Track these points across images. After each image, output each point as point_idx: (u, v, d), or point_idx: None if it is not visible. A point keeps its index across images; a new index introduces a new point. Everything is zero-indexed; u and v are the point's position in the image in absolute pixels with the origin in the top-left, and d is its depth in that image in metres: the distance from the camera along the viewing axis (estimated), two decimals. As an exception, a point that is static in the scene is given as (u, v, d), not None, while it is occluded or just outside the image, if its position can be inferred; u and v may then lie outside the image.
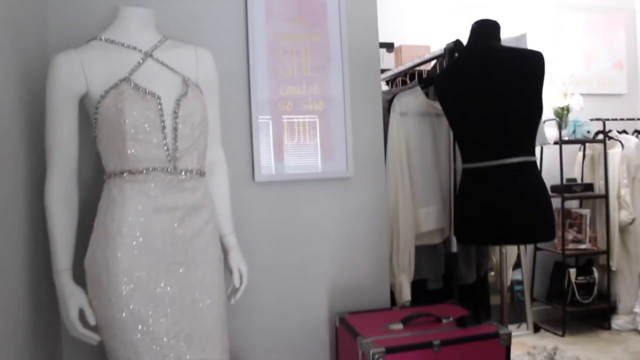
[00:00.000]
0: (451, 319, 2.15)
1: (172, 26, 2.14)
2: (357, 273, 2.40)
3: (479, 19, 2.38)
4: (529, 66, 2.21)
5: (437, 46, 4.18)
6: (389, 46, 4.01)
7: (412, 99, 2.64)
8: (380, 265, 2.43)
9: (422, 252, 2.61)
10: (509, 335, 2.03)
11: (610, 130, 4.43)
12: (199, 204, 1.78)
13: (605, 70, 4.86)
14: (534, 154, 2.29)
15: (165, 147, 1.70)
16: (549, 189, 4.15)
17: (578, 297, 4.32)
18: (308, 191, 2.35)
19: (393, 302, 2.50)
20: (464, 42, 2.49)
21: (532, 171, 2.27)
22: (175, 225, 1.71)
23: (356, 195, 2.40)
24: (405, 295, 2.47)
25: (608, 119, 4.47)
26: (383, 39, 3.85)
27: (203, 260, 1.77)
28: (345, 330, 2.16)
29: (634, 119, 4.74)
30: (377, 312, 2.33)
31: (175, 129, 1.71)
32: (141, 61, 1.77)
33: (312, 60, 2.34)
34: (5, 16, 1.65)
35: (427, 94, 2.73)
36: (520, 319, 4.37)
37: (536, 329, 4.38)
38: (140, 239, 1.65)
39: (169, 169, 1.71)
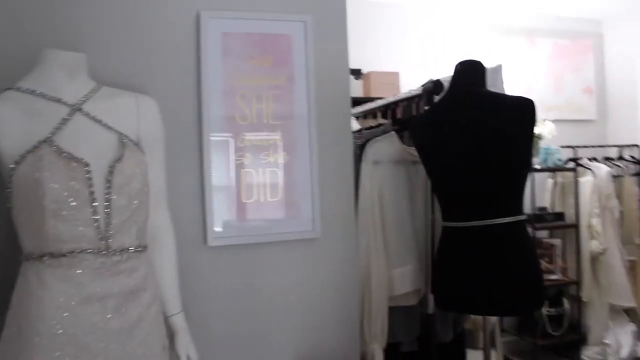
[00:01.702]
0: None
1: (110, 66, 1.84)
2: (324, 343, 2.15)
3: (463, 59, 2.15)
4: (517, 116, 1.99)
5: (408, 73, 4.02)
6: (357, 72, 3.77)
7: (387, 145, 2.38)
8: (350, 333, 2.18)
9: (396, 313, 2.37)
10: None
11: (580, 158, 4.32)
12: (138, 287, 1.50)
13: (575, 95, 4.77)
14: (522, 212, 2.07)
15: (96, 224, 1.41)
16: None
17: (549, 330, 4.19)
18: (269, 255, 2.08)
19: (364, 371, 2.25)
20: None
21: (520, 233, 2.06)
22: (109, 316, 1.43)
23: (323, 257, 2.14)
24: (378, 366, 2.23)
25: (579, 146, 4.38)
26: (350, 64, 3.63)
27: (144, 354, 1.49)
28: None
29: (603, 146, 4.65)
30: (348, 389, 2.08)
31: (108, 201, 1.43)
32: (67, 117, 1.48)
33: (275, 106, 2.06)
34: None
35: (402, 137, 2.48)
36: (490, 344, 4.18)
37: (506, 362, 4.24)
38: (63, 338, 1.36)
39: (100, 250, 1.42)
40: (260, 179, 2.04)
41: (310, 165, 2.08)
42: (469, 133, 2.04)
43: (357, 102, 3.44)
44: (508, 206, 2.05)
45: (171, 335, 1.66)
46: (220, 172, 2.01)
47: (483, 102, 2.05)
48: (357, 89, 3.76)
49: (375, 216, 2.29)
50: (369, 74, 3.78)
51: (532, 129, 2.03)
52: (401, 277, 2.34)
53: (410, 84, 3.80)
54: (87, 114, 1.51)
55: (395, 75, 3.83)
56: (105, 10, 1.90)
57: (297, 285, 2.11)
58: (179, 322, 1.69)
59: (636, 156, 4.59)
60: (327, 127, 2.15)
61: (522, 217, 2.08)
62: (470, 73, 2.10)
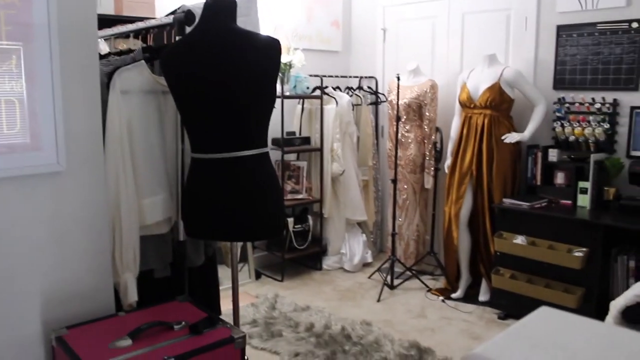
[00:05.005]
0: (183, 323, 2.02)
1: None
2: (76, 279, 2.10)
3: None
4: (264, 54, 2.08)
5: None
6: (106, -12, 3.49)
7: (136, 75, 2.29)
8: (103, 266, 2.17)
9: (148, 242, 2.37)
10: (244, 338, 1.99)
11: (326, 87, 4.68)
12: None
13: (324, 28, 5.06)
14: (265, 145, 2.22)
15: None
16: (270, 143, 4.32)
17: (295, 244, 4.62)
18: (7, 191, 1.92)
19: (118, 301, 2.25)
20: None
21: (263, 165, 2.21)
22: None
23: (70, 190, 2.05)
24: (132, 295, 2.24)
25: (325, 76, 4.71)
26: (98, -22, 3.33)
27: None
28: (64, 353, 1.86)
29: (346, 77, 5.08)
30: (101, 321, 2.08)
31: None
32: None
33: (9, 27, 1.84)
34: None
35: (152, 66, 2.41)
36: (243, 259, 4.48)
37: (258, 276, 4.58)
38: None
39: None
40: (-7, 109, 1.84)
41: (53, 94, 1.94)
42: (218, 68, 2.08)
43: (107, 20, 3.22)
44: (252, 139, 2.17)
45: None
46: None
47: (233, 38, 2.09)
48: (108, 6, 3.49)
49: (123, 147, 2.23)
50: (121, -10, 3.52)
51: (278, 67, 2.15)
52: (151, 206, 2.35)
53: (166, 5, 3.66)
54: None
55: (151, -5, 3.64)
56: None
57: (42, 221, 2.01)
58: None
59: (373, 87, 5.13)
60: (71, 54, 2.01)
61: (265, 150, 2.22)
62: (221, 8, 2.11)
